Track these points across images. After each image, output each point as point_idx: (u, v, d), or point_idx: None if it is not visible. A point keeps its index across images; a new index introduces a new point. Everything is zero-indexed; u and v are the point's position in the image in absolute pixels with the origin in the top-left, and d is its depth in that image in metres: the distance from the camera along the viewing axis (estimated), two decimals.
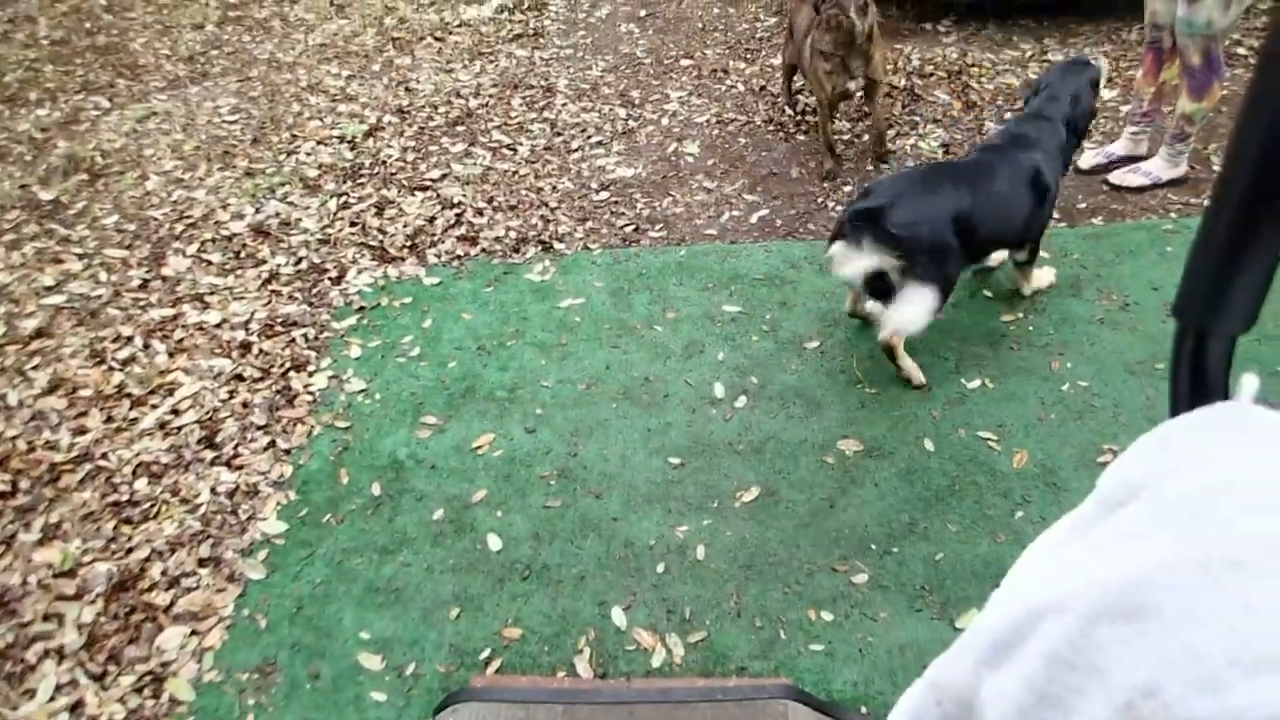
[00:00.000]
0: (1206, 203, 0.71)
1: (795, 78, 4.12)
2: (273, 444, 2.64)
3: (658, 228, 3.50)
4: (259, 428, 2.69)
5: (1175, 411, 0.75)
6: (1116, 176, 3.49)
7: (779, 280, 3.19)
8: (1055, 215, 3.37)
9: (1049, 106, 2.80)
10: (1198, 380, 0.73)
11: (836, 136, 3.86)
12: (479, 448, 2.61)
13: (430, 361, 2.94)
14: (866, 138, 3.85)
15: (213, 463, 2.58)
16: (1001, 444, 2.52)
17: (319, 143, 4.13)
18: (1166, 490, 0.60)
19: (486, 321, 3.09)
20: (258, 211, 3.68)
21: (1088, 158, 3.62)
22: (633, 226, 3.51)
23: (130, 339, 3.05)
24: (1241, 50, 4.29)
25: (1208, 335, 0.72)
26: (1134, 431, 2.32)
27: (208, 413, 2.74)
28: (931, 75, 4.29)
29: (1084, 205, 3.41)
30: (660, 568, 2.25)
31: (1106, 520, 0.60)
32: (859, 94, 3.58)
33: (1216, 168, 3.54)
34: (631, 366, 2.87)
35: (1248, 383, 0.72)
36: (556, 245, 3.44)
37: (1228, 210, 0.68)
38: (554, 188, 3.75)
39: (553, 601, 2.19)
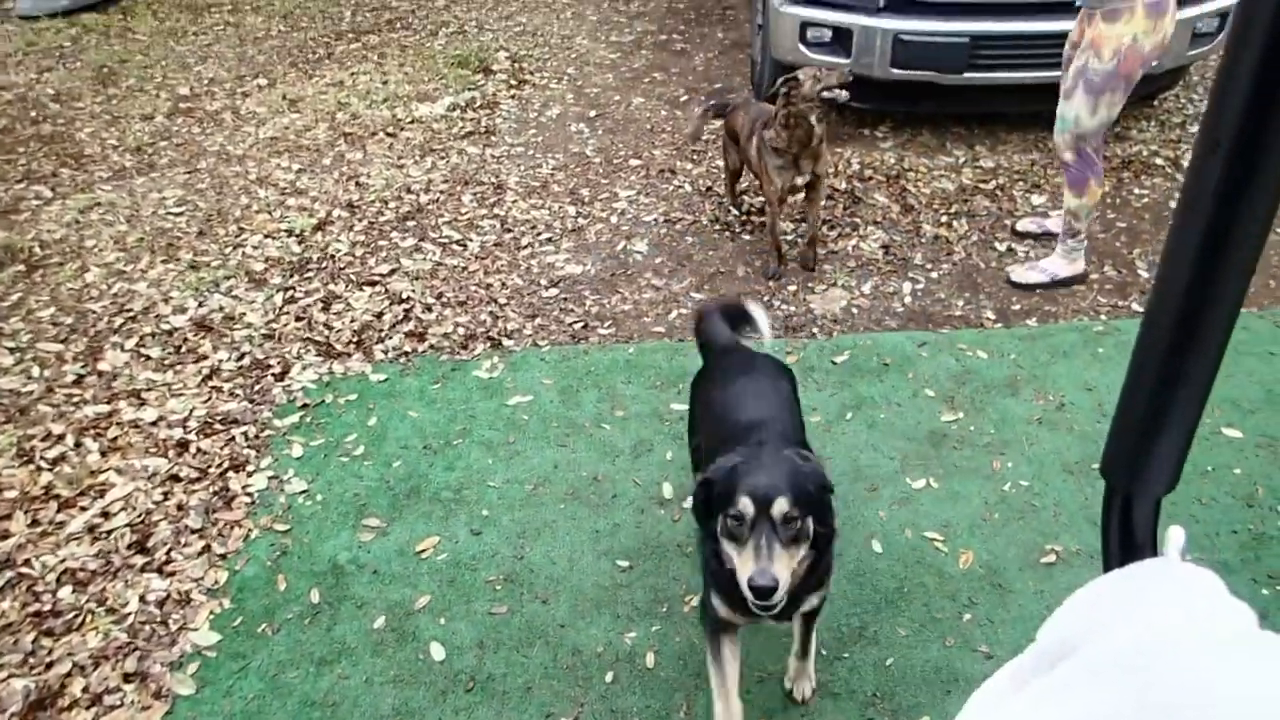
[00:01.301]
0: (1129, 365, 0.75)
1: (740, 180, 4.24)
2: (208, 548, 2.55)
3: (606, 325, 3.53)
4: (194, 531, 2.60)
5: (1108, 567, 0.79)
6: (1017, 274, 3.64)
7: None
8: (992, 316, 3.49)
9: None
10: (1127, 538, 0.77)
11: (781, 236, 3.97)
12: (423, 551, 2.55)
13: (374, 461, 2.89)
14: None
15: (143, 569, 2.47)
16: (947, 544, 2.54)
17: (266, 236, 4.11)
18: (1100, 646, 0.63)
19: (433, 419, 3.06)
20: (200, 305, 3.63)
21: (1024, 222, 3.81)
22: (582, 324, 3.54)
23: (61, 437, 2.95)
24: (1158, 160, 4.54)
25: (1134, 497, 0.76)
26: (1073, 531, 2.37)
27: (140, 516, 2.65)
28: (870, 179, 4.45)
29: (1019, 307, 3.53)
30: (609, 677, 2.20)
31: (1046, 675, 0.63)
32: (803, 192, 3.70)
33: (1141, 271, 3.70)
34: (580, 466, 2.86)
35: (1173, 537, 0.76)
36: (505, 342, 3.44)
37: (1148, 375, 0.73)
38: (503, 284, 3.78)
39: (497, 715, 2.12)
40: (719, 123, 4.29)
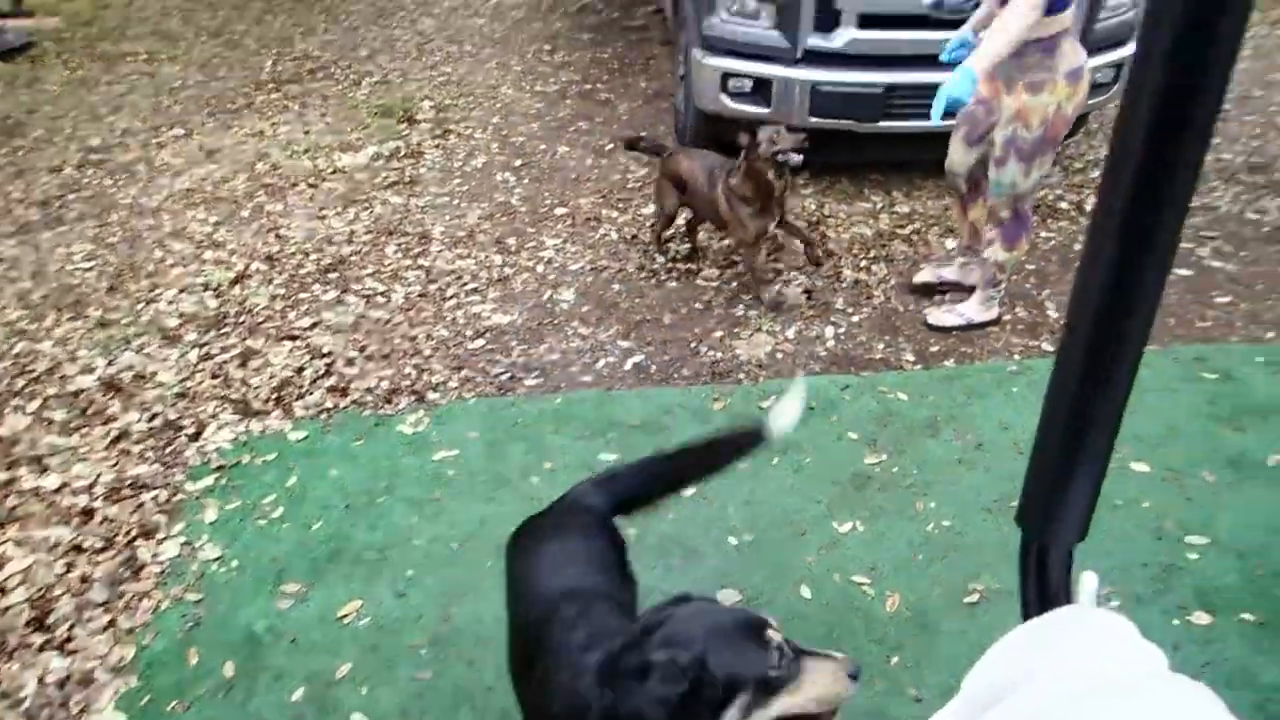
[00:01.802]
0: (1040, 419, 0.78)
1: (670, 227, 4.27)
2: (113, 623, 2.43)
3: (534, 375, 3.51)
4: (98, 605, 2.48)
5: (1026, 615, 0.81)
6: (934, 317, 3.75)
7: (655, 427, 3.22)
8: (911, 358, 3.57)
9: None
10: (1043, 586, 0.80)
11: (706, 282, 4.01)
12: (344, 616, 2.48)
13: (294, 523, 2.80)
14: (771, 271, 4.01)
15: (42, 648, 2.35)
16: (874, 588, 2.56)
17: (181, 291, 4.01)
18: (1024, 696, 0.67)
19: (356, 478, 2.99)
20: (110, 364, 3.51)
21: (922, 274, 3.90)
22: (508, 375, 3.51)
23: None
24: (1064, 205, 4.73)
25: (1048, 546, 0.79)
26: (995, 570, 2.40)
27: (39, 590, 2.52)
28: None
29: (936, 349, 3.62)
30: None
31: None
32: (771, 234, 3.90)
33: (1051, 312, 3.83)
34: (508, 521, 2.78)
35: (1086, 583, 0.79)
36: (430, 395, 3.39)
37: (1056, 429, 0.75)
38: (428, 336, 3.73)
39: None
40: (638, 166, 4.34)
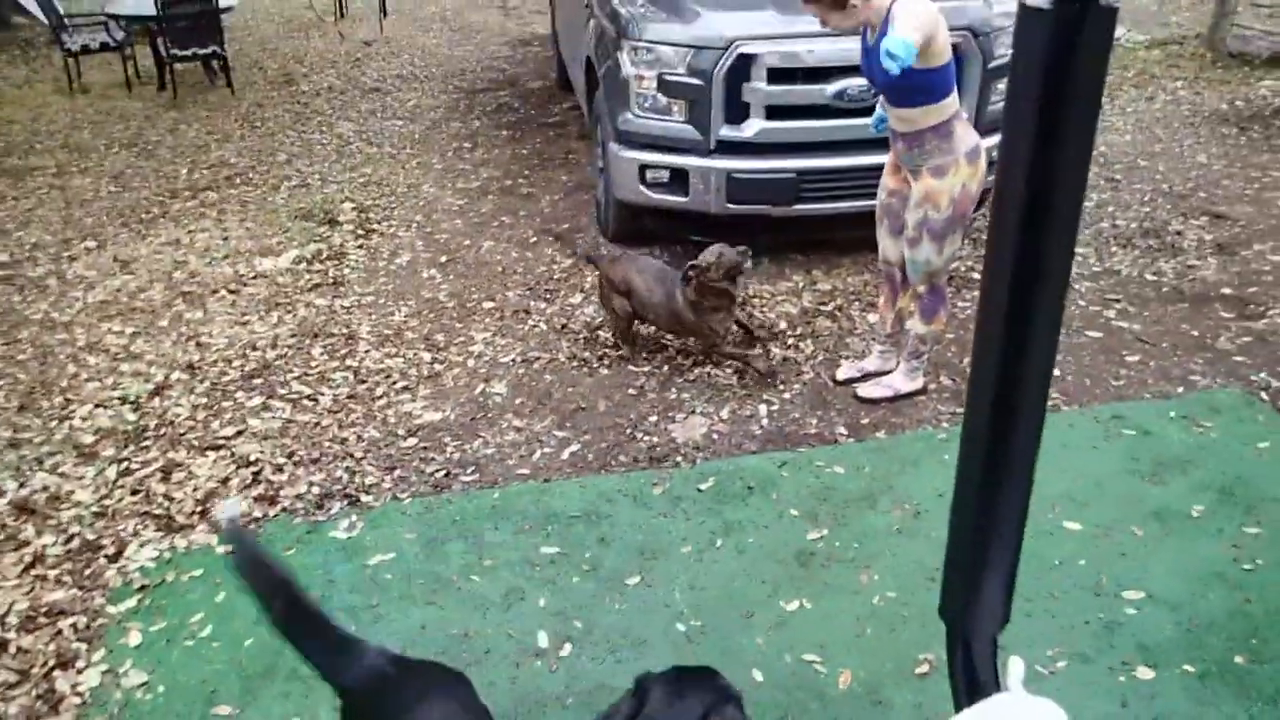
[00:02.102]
0: (949, 516, 0.80)
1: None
2: None
3: (470, 471, 3.46)
4: None
5: (958, 706, 0.83)
6: (864, 390, 3.84)
7: (595, 516, 3.19)
8: (844, 431, 3.63)
9: None
10: (971, 677, 0.82)
11: (638, 368, 4.05)
12: None
13: (224, 641, 2.67)
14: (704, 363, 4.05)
15: None
16: (826, 665, 2.55)
17: (97, 405, 3.87)
18: None
19: None
20: (21, 486, 3.34)
21: (844, 370, 3.98)
22: (444, 472, 3.45)
23: None
24: (976, 275, 4.93)
25: (971, 638, 0.82)
26: (942, 639, 2.41)
27: None
28: None
29: (867, 420, 3.69)
30: None
31: None
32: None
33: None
34: (448, 624, 2.73)
35: (1013, 669, 0.81)
36: (363, 498, 3.31)
37: (965, 525, 0.78)
38: (359, 437, 3.66)
39: None
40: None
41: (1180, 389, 3.81)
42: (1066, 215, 0.68)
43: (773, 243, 5.11)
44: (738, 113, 4.60)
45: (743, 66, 4.49)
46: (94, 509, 3.23)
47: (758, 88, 4.51)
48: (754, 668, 2.54)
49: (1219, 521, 3.04)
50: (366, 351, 4.31)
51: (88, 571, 2.95)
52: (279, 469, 3.47)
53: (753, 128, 4.60)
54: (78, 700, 2.47)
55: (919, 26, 3.03)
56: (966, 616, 0.82)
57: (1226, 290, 4.62)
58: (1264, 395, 3.73)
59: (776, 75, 4.49)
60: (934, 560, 2.87)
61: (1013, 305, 0.70)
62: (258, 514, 3.22)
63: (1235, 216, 5.47)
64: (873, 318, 4.43)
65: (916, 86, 3.21)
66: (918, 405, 3.78)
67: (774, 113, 4.57)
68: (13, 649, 2.63)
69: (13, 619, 2.74)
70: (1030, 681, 0.84)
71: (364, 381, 4.06)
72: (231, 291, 4.93)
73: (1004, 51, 4.67)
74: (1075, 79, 0.62)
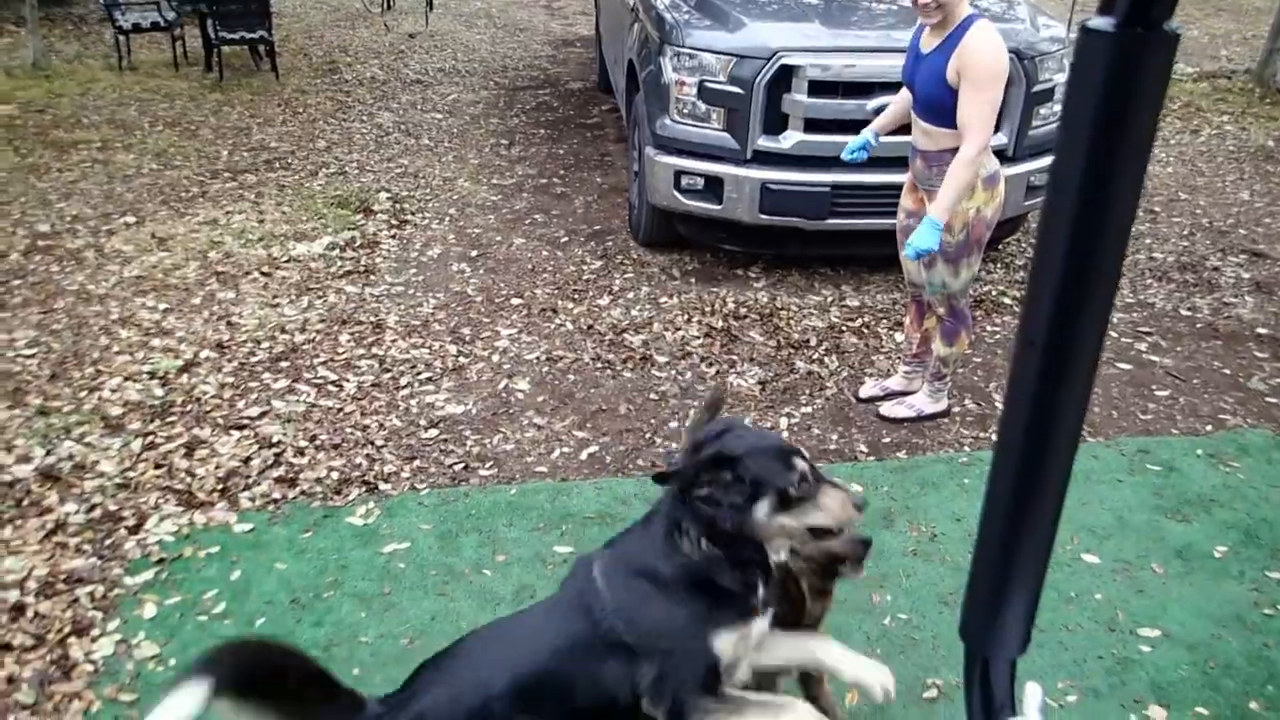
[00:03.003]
0: (976, 537, 0.80)
1: None
2: None
3: (488, 465, 3.48)
4: (25, 708, 2.35)
5: None
6: (886, 409, 3.81)
7: (610, 518, 3.19)
8: (864, 449, 3.61)
9: (679, 511, 1.76)
10: (987, 699, 0.82)
11: (661, 373, 4.05)
12: None
13: (236, 619, 2.70)
14: None
15: None
16: (833, 684, 2.53)
17: (126, 379, 3.92)
18: None
19: (302, 571, 2.90)
20: (49, 454, 3.40)
21: (867, 388, 3.96)
22: (462, 465, 3.47)
23: None
24: (1006, 300, 4.89)
25: (991, 660, 0.81)
26: (952, 664, 2.40)
27: None
28: (745, 317, 4.62)
29: (889, 440, 3.67)
30: None
31: None
32: None
33: (998, 404, 3.92)
34: (459, 616, 2.74)
35: (1030, 695, 0.81)
36: (381, 486, 3.33)
37: (992, 546, 0.78)
38: (381, 425, 3.69)
39: None
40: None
41: (1209, 427, 3.76)
42: (1115, 243, 0.67)
43: (803, 255, 5.11)
44: (776, 124, 4.59)
45: (784, 77, 4.48)
46: (117, 480, 3.28)
47: (798, 99, 4.50)
48: None
49: (1241, 564, 2.99)
50: (393, 341, 4.34)
51: (108, 542, 2.99)
52: (300, 452, 3.50)
53: (790, 139, 4.59)
54: (90, 668, 2.50)
55: (984, 89, 3.08)
56: (987, 637, 0.81)
57: (1262, 330, 4.55)
58: None
59: (817, 88, 4.48)
60: (949, 584, 2.86)
61: (1055, 329, 0.69)
62: (276, 495, 3.25)
63: (1275, 255, 5.39)
64: (899, 337, 4.40)
65: (952, 108, 3.18)
66: (940, 427, 3.75)
67: (812, 125, 4.56)
68: (30, 613, 2.66)
69: (32, 584, 2.78)
70: (1041, 711, 0.84)
71: (389, 371, 4.09)
72: (264, 274, 4.99)
73: (1048, 76, 4.63)
74: (1134, 105, 0.62)
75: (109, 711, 2.38)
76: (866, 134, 3.68)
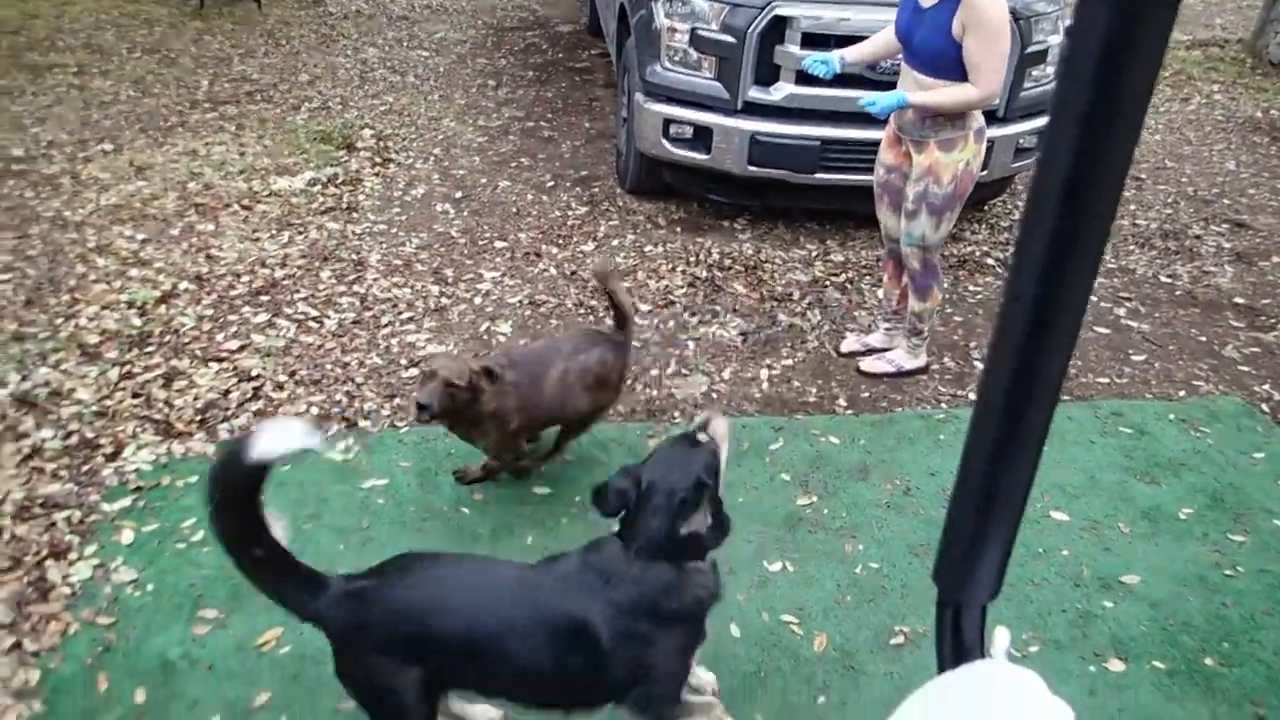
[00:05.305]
0: (954, 484, 0.81)
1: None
2: (18, 645, 2.31)
3: None
4: (3, 626, 2.35)
5: (942, 668, 0.84)
6: (866, 364, 3.84)
7: (589, 461, 3.21)
8: (844, 403, 3.64)
9: (645, 522, 1.91)
10: (957, 642, 0.84)
11: (643, 320, 4.05)
12: (264, 645, 2.40)
13: (214, 547, 2.67)
14: None
15: None
16: (803, 627, 2.59)
17: (104, 307, 3.87)
18: None
19: (281, 504, 2.90)
20: (24, 379, 3.36)
21: (848, 342, 3.98)
22: None
23: None
24: (990, 261, 4.91)
25: (963, 604, 0.83)
26: (919, 613, 2.45)
27: None
28: (730, 268, 4.62)
29: (867, 394, 3.70)
30: None
31: None
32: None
33: (977, 363, 3.96)
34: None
35: (999, 639, 0.83)
36: (361, 423, 3.33)
37: (970, 495, 0.79)
38: (361, 363, 3.67)
39: None
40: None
41: (1182, 392, 3.82)
42: (1107, 204, 0.68)
43: (790, 208, 5.09)
44: (768, 75, 4.55)
45: (778, 28, 4.43)
46: (94, 408, 3.25)
47: (791, 51, 4.45)
48: (732, 623, 2.57)
49: (1206, 526, 3.06)
50: (375, 279, 4.31)
51: (85, 468, 2.98)
52: (280, 386, 3.49)
53: (782, 91, 4.55)
54: (67, 590, 2.51)
55: (994, 39, 3.10)
56: (960, 582, 0.83)
57: (1240, 299, 4.61)
58: (1265, 407, 3.74)
59: (810, 40, 4.43)
60: (920, 537, 2.91)
61: (1043, 286, 0.70)
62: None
63: (1257, 227, 5.44)
64: (880, 293, 4.42)
65: (956, 61, 3.16)
66: (918, 383, 3.79)
67: (804, 78, 4.52)
68: (6, 535, 2.66)
69: (8, 507, 2.77)
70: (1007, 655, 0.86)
71: (370, 309, 4.07)
72: (245, 207, 4.92)
73: (1041, 38, 4.60)
74: (1131, 68, 0.62)
75: (87, 634, 2.39)
76: (834, 55, 3.57)
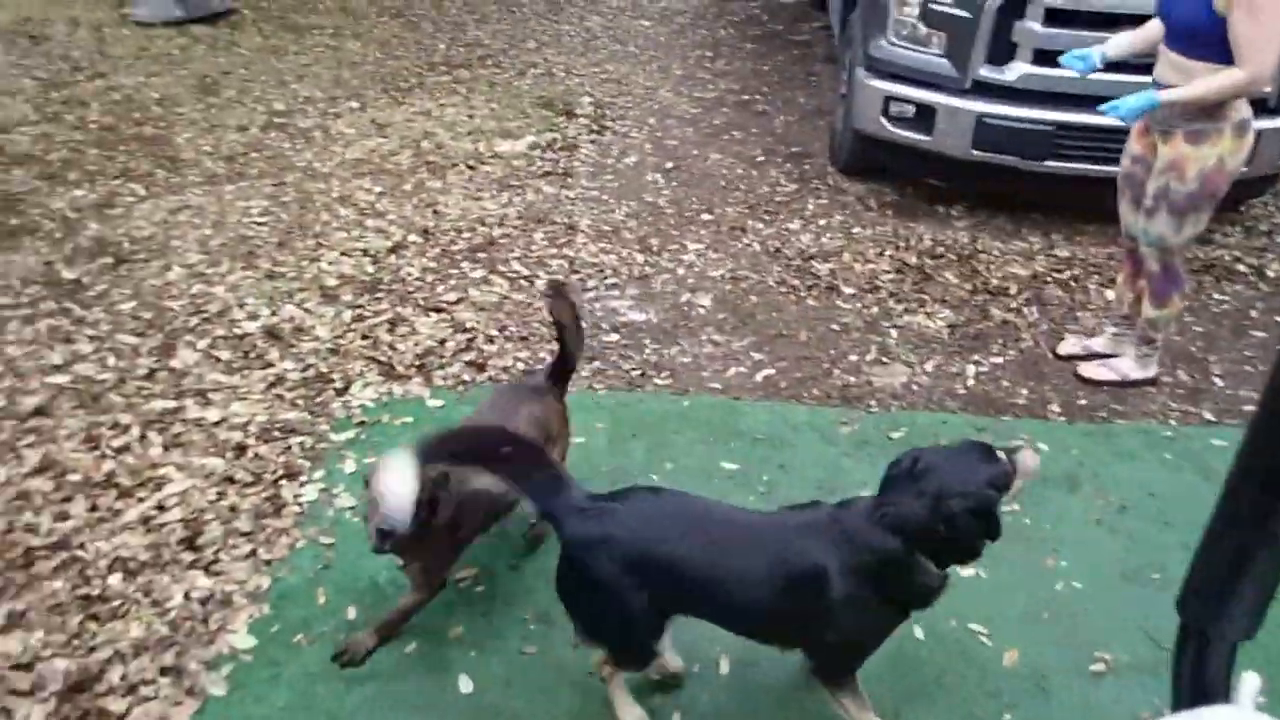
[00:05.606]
0: (1217, 502, 0.74)
1: None
2: (254, 553, 2.59)
3: (664, 375, 3.54)
4: (243, 534, 2.64)
5: (1177, 705, 0.77)
6: (1086, 369, 3.57)
7: (779, 441, 3.20)
8: (1057, 409, 3.43)
9: (895, 506, 1.91)
10: (1198, 680, 0.75)
11: (846, 304, 3.96)
12: (461, 581, 2.56)
13: None
14: None
15: (190, 565, 2.52)
16: (993, 639, 2.48)
17: (342, 254, 4.22)
18: None
19: None
20: (273, 314, 3.72)
21: (1068, 344, 3.72)
22: (639, 371, 3.55)
23: (127, 428, 3.03)
24: (1241, 267, 4.45)
25: (1210, 638, 0.75)
26: (1126, 643, 2.29)
27: (193, 513, 2.70)
28: (942, 256, 4.43)
29: (1084, 401, 3.47)
30: None
31: None
32: None
33: (1216, 380, 3.62)
34: None
35: (1248, 682, 0.74)
36: None
37: (1236, 523, 0.71)
38: None
39: None
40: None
41: None
42: None
43: (1013, 196, 4.82)
44: (1002, 53, 4.30)
45: (1018, 3, 4.17)
46: (329, 345, 3.56)
47: (1031, 28, 4.18)
48: (917, 624, 2.50)
49: None
50: (584, 244, 4.45)
51: (318, 399, 3.27)
52: (490, 340, 3.68)
53: (1016, 71, 4.29)
54: (297, 509, 2.78)
55: (1263, 10, 2.72)
56: (1211, 614, 0.75)
57: None
58: None
59: (1054, 16, 4.14)
60: (1135, 561, 2.71)
61: None
62: (466, 377, 3.44)
63: None
64: (1109, 294, 4.10)
65: (1218, 39, 2.85)
66: (1144, 396, 3.51)
67: (1042, 57, 4.23)
68: (251, 454, 2.97)
69: (253, 429, 3.09)
70: (1259, 708, 0.77)
71: (577, 273, 4.21)
72: (470, 167, 5.19)
73: None
74: None
75: (310, 550, 2.64)
76: (1095, 50, 3.31)
